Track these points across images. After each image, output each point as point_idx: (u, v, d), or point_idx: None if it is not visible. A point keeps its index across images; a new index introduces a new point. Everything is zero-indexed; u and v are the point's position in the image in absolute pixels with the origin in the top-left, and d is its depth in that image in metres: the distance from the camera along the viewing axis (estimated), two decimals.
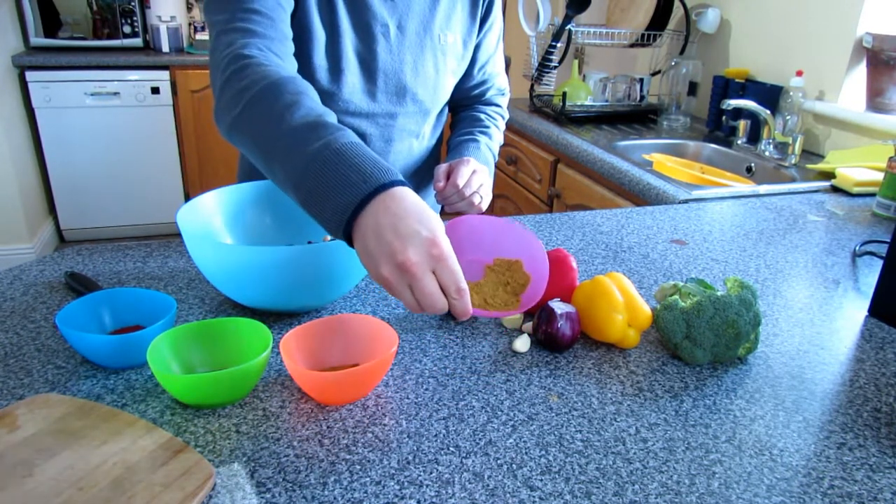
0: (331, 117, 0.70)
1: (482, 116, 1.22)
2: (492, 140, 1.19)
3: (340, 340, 0.72)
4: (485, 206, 1.09)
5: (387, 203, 0.60)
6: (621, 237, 1.15)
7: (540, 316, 0.78)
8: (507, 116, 1.29)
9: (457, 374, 0.73)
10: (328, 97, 1.02)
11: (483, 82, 1.22)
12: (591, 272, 1.00)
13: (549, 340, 0.77)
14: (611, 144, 1.93)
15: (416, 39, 1.05)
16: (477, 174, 1.06)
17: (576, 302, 0.81)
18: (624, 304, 0.77)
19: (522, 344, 0.78)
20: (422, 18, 1.05)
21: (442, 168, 1.06)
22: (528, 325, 0.82)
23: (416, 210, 0.61)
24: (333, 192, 0.62)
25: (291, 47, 0.90)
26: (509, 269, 0.82)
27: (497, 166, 2.52)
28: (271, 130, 0.69)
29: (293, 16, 0.94)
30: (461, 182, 1.03)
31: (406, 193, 0.62)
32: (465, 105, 1.25)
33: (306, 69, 0.99)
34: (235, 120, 0.74)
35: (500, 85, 1.26)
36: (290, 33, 0.90)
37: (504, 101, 1.28)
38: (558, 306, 0.77)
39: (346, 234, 0.63)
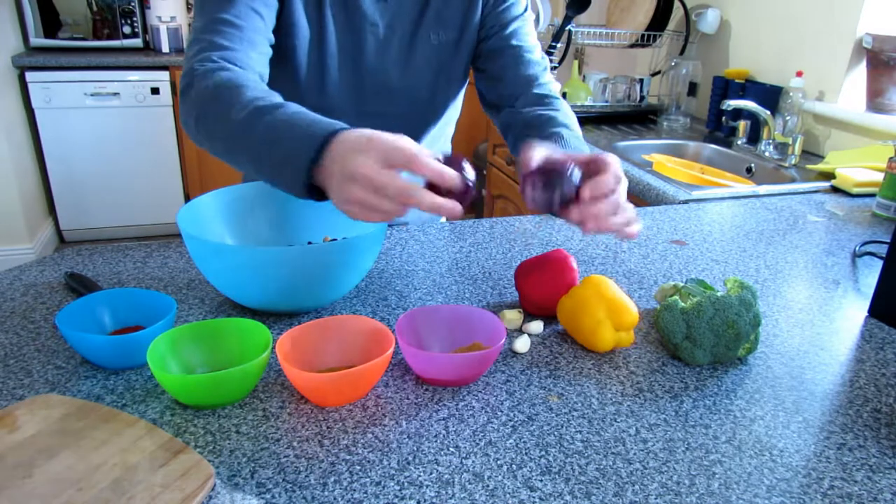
0: (270, 98, 0.77)
1: (537, 113, 0.98)
2: (569, 128, 0.95)
3: (337, 342, 0.72)
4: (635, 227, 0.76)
5: (335, 147, 0.67)
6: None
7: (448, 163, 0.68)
8: (559, 99, 1.03)
9: None
10: (314, 94, 1.02)
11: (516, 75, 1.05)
12: (592, 272, 1.00)
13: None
14: (611, 145, 1.93)
15: (406, 39, 1.04)
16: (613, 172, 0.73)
17: (563, 318, 0.80)
18: (606, 311, 0.76)
19: (522, 344, 0.78)
20: (413, 17, 1.03)
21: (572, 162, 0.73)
22: (529, 326, 0.82)
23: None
24: (285, 161, 0.70)
25: (260, 54, 0.91)
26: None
27: (497, 166, 2.52)
28: (223, 128, 0.77)
29: (279, 13, 0.95)
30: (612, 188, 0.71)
31: (350, 133, 0.67)
32: (509, 114, 1.05)
33: (292, 65, 0.99)
34: (194, 129, 0.82)
35: (535, 72, 1.05)
36: (260, 40, 0.91)
37: (549, 86, 1.05)
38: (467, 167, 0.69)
39: (310, 187, 0.69)
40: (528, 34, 1.08)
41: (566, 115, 1.00)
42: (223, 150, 0.79)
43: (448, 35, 1.06)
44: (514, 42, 1.06)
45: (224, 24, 0.87)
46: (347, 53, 1.01)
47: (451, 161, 0.69)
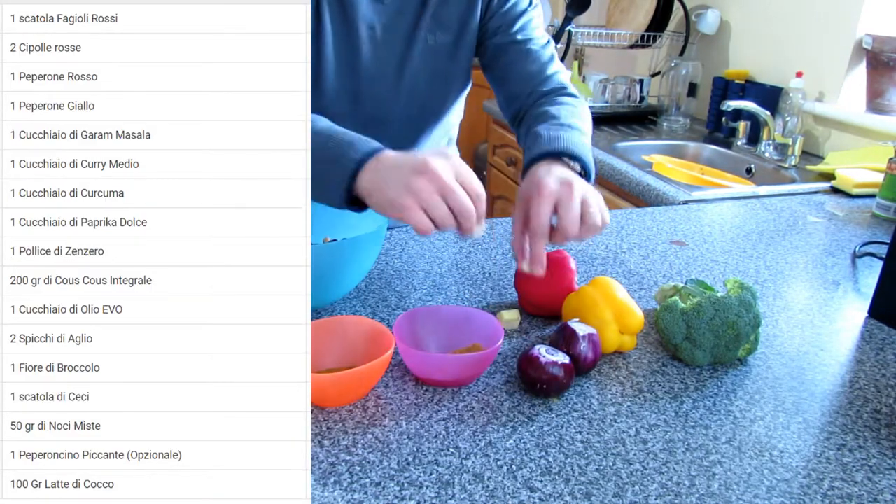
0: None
1: (534, 113, 0.97)
2: (558, 119, 0.92)
3: (337, 342, 0.72)
4: (597, 222, 0.74)
5: (385, 154, 0.68)
6: (621, 238, 1.15)
7: (560, 336, 0.74)
8: (571, 91, 1.01)
9: None
10: (311, 98, 0.99)
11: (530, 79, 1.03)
12: (591, 273, 1.00)
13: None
14: (610, 145, 1.93)
15: (404, 41, 1.01)
16: (553, 192, 0.73)
17: (567, 317, 0.80)
18: (613, 313, 0.76)
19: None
20: (411, 19, 1.00)
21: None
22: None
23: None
24: (329, 169, 0.69)
25: None
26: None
27: (497, 167, 2.52)
28: None
29: None
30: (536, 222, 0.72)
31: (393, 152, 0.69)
32: (519, 121, 1.05)
33: None
34: None
35: (539, 66, 1.04)
36: None
37: (556, 78, 1.03)
38: (579, 327, 0.73)
39: (352, 196, 0.70)
40: (535, 28, 1.06)
41: (565, 109, 0.96)
42: None
43: (445, 37, 1.03)
44: (518, 37, 1.04)
45: None
46: (344, 56, 0.99)
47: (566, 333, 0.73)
